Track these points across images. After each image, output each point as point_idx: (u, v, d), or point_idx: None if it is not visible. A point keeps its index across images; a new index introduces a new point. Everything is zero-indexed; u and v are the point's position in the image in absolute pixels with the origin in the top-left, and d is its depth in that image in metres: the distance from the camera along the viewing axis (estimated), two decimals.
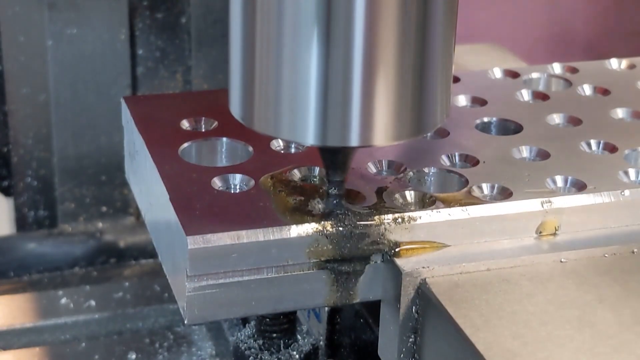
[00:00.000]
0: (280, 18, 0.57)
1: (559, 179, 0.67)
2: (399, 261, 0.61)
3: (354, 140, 0.59)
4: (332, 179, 0.63)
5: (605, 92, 0.82)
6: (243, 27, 0.59)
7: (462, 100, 0.80)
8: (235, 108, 0.61)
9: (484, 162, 0.69)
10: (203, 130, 0.73)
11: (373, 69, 0.57)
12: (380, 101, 0.58)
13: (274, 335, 0.72)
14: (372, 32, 0.56)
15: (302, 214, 0.62)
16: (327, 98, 0.57)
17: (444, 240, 0.63)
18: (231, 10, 0.60)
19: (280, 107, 0.59)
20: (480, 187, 0.66)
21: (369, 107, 0.58)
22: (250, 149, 0.70)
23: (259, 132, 0.60)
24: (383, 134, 0.59)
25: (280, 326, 0.72)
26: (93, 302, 0.95)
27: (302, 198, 0.63)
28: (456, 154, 0.70)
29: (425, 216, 0.63)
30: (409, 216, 0.62)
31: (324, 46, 0.56)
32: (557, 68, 0.86)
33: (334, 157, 0.62)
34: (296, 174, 0.66)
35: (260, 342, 0.72)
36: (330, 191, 0.64)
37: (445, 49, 0.60)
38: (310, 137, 0.59)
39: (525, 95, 0.81)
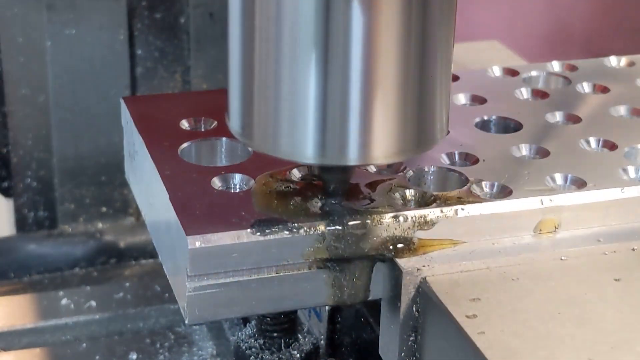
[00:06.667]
0: (279, 41, 0.57)
1: (559, 177, 0.67)
2: (399, 260, 0.61)
3: (352, 159, 0.59)
4: (331, 195, 0.63)
5: (605, 89, 0.82)
6: (242, 49, 0.60)
7: (461, 99, 0.80)
8: (235, 127, 0.62)
9: (483, 160, 0.69)
10: (202, 130, 0.73)
11: (371, 89, 0.58)
12: (379, 120, 0.58)
13: (275, 334, 0.72)
14: (370, 55, 0.57)
15: (301, 214, 0.62)
16: (325, 118, 0.58)
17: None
18: (229, 32, 0.60)
19: (278, 126, 0.59)
20: (480, 186, 0.66)
21: (368, 126, 0.58)
22: (250, 148, 0.70)
23: (258, 151, 0.61)
24: (382, 153, 0.60)
25: (281, 325, 0.72)
26: (94, 303, 0.95)
27: (299, 198, 0.64)
28: (456, 152, 0.70)
29: (426, 215, 0.63)
30: (409, 215, 0.62)
31: (322, 68, 0.57)
32: (556, 66, 0.86)
33: (334, 175, 0.63)
34: (296, 174, 0.66)
35: (261, 341, 0.72)
36: (329, 192, 0.64)
37: (444, 65, 0.60)
38: (309, 156, 0.59)
39: (525, 93, 0.81)
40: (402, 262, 0.61)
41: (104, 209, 1.09)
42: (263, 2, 0.57)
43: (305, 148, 0.59)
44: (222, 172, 0.66)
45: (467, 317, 0.56)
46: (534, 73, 0.85)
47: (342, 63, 0.57)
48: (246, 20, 0.59)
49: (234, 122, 0.62)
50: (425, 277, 0.60)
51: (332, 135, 0.58)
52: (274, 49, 0.58)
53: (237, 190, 0.65)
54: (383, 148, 0.59)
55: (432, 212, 0.63)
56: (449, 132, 0.64)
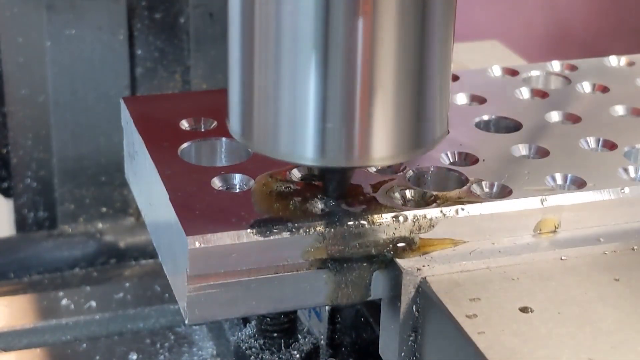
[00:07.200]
0: (278, 43, 0.57)
1: (559, 177, 0.67)
2: (399, 260, 0.61)
3: (353, 161, 0.59)
4: (331, 196, 0.63)
5: (605, 89, 0.82)
6: (241, 51, 0.60)
7: (461, 99, 0.80)
8: (234, 128, 0.62)
9: (483, 160, 0.69)
10: (202, 130, 0.73)
11: (371, 90, 0.58)
12: (379, 122, 0.59)
13: (275, 334, 0.72)
14: (370, 56, 0.57)
15: (301, 214, 0.62)
16: (325, 120, 0.58)
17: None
18: (229, 35, 0.60)
19: (278, 128, 0.59)
20: (480, 185, 0.66)
21: (368, 128, 0.59)
22: (250, 150, 0.70)
23: (258, 152, 0.61)
24: (382, 154, 0.60)
25: (281, 326, 0.72)
26: (94, 303, 0.95)
27: (299, 198, 0.64)
28: (456, 152, 0.70)
29: (426, 215, 0.63)
30: (409, 215, 0.62)
31: (322, 70, 0.57)
32: (556, 66, 0.86)
33: (333, 176, 0.63)
34: (296, 174, 0.66)
35: (261, 341, 0.72)
36: (329, 192, 0.64)
37: (444, 65, 0.60)
38: (309, 158, 0.59)
39: (525, 93, 0.81)
40: (402, 262, 0.61)
41: (104, 209, 1.09)
42: (262, 4, 0.57)
43: (304, 150, 0.59)
44: (222, 172, 0.66)
45: (467, 317, 0.56)
46: (533, 73, 0.85)
47: (342, 65, 0.57)
48: (246, 22, 0.59)
49: (234, 123, 0.62)
50: (425, 277, 0.60)
51: (332, 137, 0.58)
52: (273, 51, 0.58)
53: (237, 191, 0.65)
54: (383, 149, 0.59)
55: (432, 212, 0.63)
56: (448, 132, 0.64)
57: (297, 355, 0.71)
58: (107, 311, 0.94)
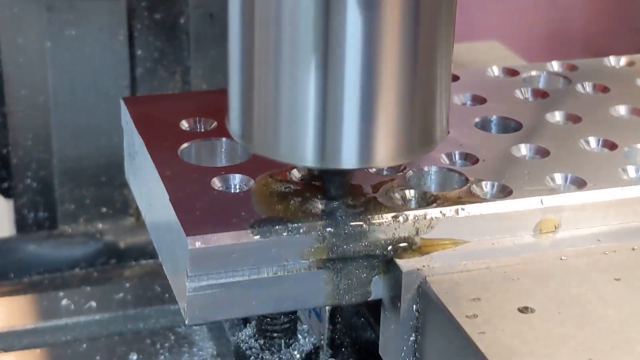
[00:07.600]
0: (278, 45, 0.57)
1: (559, 177, 0.67)
2: (399, 260, 0.61)
3: (352, 163, 0.59)
4: (331, 196, 0.63)
5: (605, 89, 0.82)
6: (241, 53, 0.60)
7: (461, 99, 0.80)
8: (234, 130, 0.62)
9: (483, 160, 0.69)
10: (202, 130, 0.73)
11: (371, 93, 0.58)
12: (379, 124, 0.58)
13: (275, 335, 0.72)
14: (370, 58, 0.57)
15: (301, 214, 0.62)
16: (325, 121, 0.58)
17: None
18: (229, 36, 0.60)
19: (278, 130, 0.59)
20: (480, 185, 0.66)
21: (367, 130, 0.58)
22: (250, 151, 0.70)
23: (258, 154, 0.61)
24: (382, 156, 0.60)
25: (281, 326, 0.72)
26: (94, 303, 0.95)
27: (299, 199, 0.64)
28: (456, 152, 0.70)
29: (426, 215, 0.63)
30: (409, 215, 0.62)
31: (322, 72, 0.57)
32: (556, 66, 0.86)
33: (333, 177, 0.63)
34: (296, 174, 0.66)
35: (261, 341, 0.72)
36: (329, 193, 0.64)
37: (444, 66, 0.60)
38: (309, 159, 0.59)
39: (525, 93, 0.81)
40: (402, 262, 0.61)
41: (104, 210, 1.09)
42: (262, 6, 0.57)
43: (304, 151, 0.59)
44: (222, 173, 0.66)
45: (467, 317, 0.56)
46: (534, 73, 0.85)
47: (342, 67, 0.57)
48: (246, 24, 0.59)
49: (234, 125, 0.62)
50: (425, 277, 0.60)
51: (332, 139, 0.58)
52: (273, 53, 0.58)
53: (237, 191, 0.65)
54: (383, 151, 0.59)
55: (432, 212, 0.63)
56: (448, 132, 0.64)
57: (297, 355, 0.71)
58: (107, 311, 0.94)
